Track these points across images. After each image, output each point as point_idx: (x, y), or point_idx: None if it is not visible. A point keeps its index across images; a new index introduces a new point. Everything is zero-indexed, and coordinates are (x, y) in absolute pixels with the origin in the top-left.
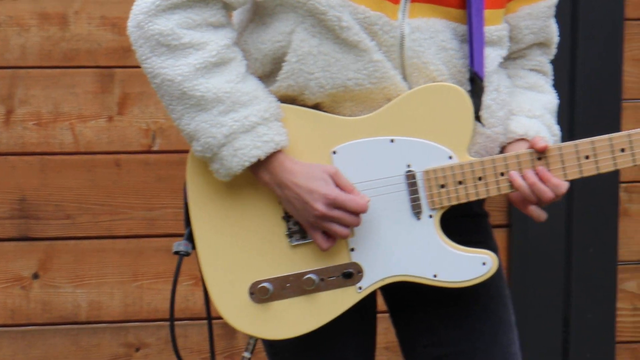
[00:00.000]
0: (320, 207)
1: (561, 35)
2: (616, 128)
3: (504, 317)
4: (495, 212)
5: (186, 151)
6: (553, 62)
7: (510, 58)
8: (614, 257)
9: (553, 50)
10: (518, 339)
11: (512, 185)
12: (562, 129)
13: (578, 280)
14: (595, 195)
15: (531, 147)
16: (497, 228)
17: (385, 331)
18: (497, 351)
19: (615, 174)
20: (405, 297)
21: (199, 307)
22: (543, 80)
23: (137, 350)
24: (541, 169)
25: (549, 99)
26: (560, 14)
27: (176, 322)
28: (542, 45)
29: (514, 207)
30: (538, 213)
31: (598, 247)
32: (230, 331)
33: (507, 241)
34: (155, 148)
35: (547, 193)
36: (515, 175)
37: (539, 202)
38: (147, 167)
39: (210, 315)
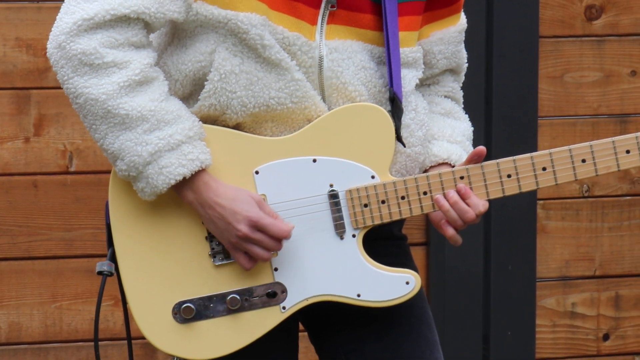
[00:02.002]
0: (243, 228)
1: (476, 53)
2: (533, 145)
3: (430, 337)
4: (414, 230)
5: (103, 172)
6: (468, 80)
7: (424, 85)
8: (533, 274)
9: (462, 78)
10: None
11: (437, 207)
12: None
13: (497, 297)
14: (513, 213)
15: (474, 154)
16: (416, 246)
17: (305, 350)
18: None
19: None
20: (329, 316)
21: (119, 328)
22: (457, 108)
23: None
24: (462, 186)
25: (466, 127)
26: (475, 33)
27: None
28: (453, 72)
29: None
30: (455, 239)
31: (516, 264)
32: (150, 351)
33: (425, 259)
34: (72, 169)
35: (469, 213)
36: (441, 200)
37: (461, 222)
38: (64, 188)
39: (130, 336)
